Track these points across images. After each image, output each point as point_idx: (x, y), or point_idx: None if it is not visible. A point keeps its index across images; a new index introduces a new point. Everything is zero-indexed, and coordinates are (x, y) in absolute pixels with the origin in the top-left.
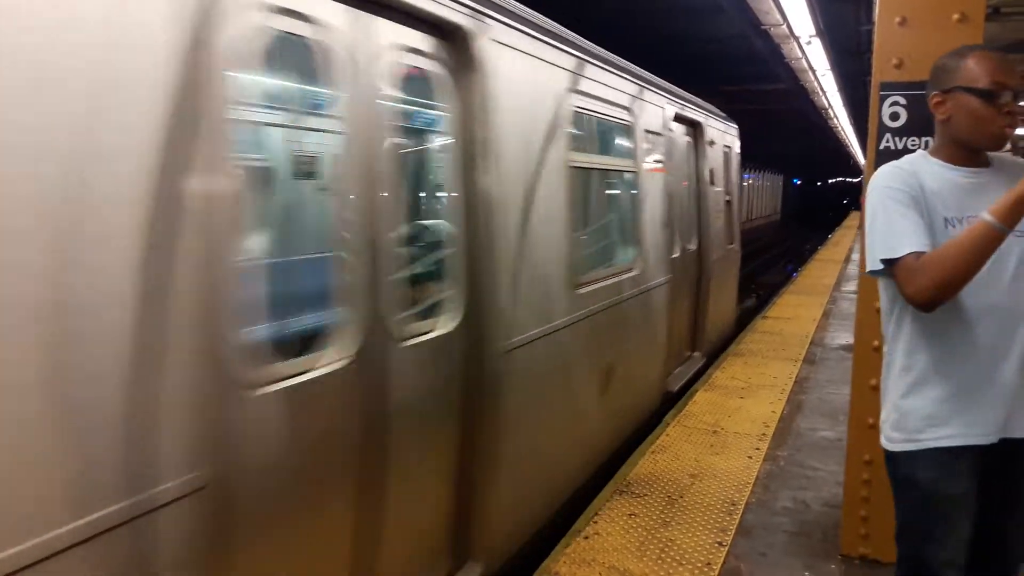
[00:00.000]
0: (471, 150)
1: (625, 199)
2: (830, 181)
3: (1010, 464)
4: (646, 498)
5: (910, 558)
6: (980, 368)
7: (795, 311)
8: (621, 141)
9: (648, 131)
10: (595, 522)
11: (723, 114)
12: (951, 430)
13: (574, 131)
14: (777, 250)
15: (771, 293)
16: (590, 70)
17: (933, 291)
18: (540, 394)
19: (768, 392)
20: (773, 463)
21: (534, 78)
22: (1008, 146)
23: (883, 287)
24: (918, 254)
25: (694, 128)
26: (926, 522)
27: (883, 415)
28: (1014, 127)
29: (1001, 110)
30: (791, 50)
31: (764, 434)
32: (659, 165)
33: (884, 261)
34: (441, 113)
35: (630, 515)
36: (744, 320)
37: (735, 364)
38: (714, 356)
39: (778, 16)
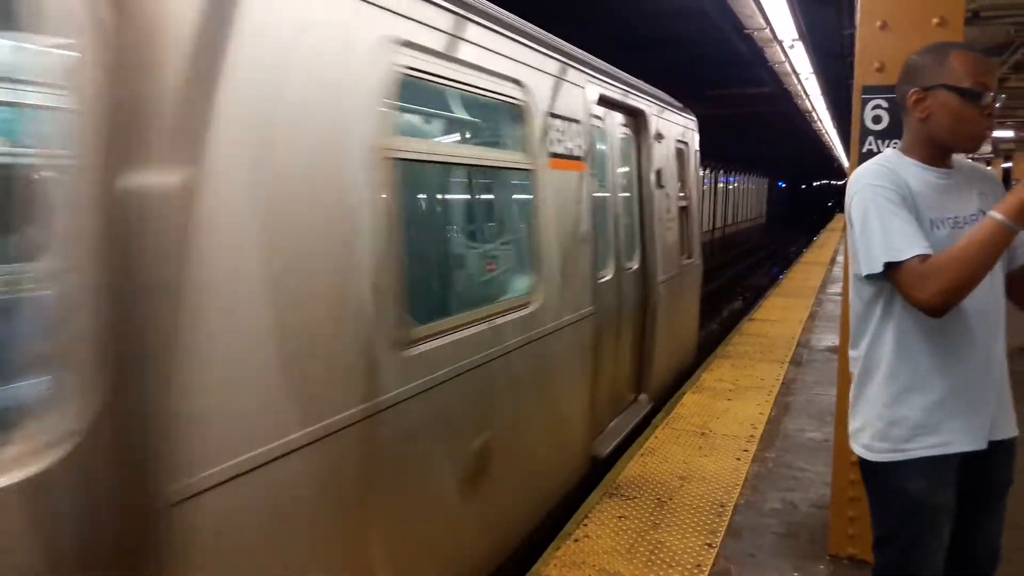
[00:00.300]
0: (126, 119)
1: (512, 207)
2: (815, 184)
3: (989, 465)
4: (635, 500)
5: (893, 566)
6: (973, 371)
7: (781, 313)
8: (504, 126)
9: (556, 116)
10: (585, 525)
11: (678, 104)
12: (941, 438)
13: (402, 104)
14: (763, 253)
15: (757, 295)
16: (438, 17)
17: (947, 295)
18: (302, 543)
19: (756, 394)
20: (761, 464)
21: (292, 9)
22: (988, 147)
23: (858, 289)
24: (923, 257)
25: (635, 118)
26: (914, 531)
27: (857, 423)
28: (992, 129)
29: (983, 111)
30: (774, 54)
31: (752, 436)
32: (575, 162)
33: (887, 264)
34: (52, 50)
35: (620, 517)
36: (729, 325)
37: (723, 366)
38: (667, 395)
39: (761, 20)
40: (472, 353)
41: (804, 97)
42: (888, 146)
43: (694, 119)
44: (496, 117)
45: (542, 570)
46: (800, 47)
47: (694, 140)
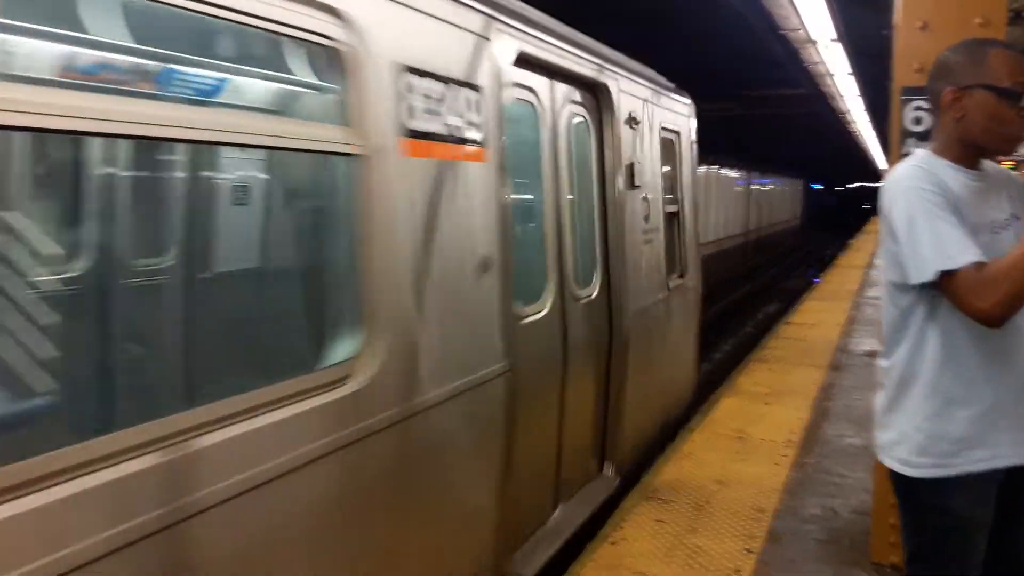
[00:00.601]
0: None
1: (306, 214)
2: (850, 186)
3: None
4: (672, 504)
5: None
6: (1018, 382)
7: (819, 317)
8: (299, 81)
9: (422, 73)
10: (622, 528)
11: (667, 83)
12: (988, 452)
13: None
14: (798, 255)
15: (794, 298)
16: None
17: (1010, 305)
18: None
19: (793, 398)
20: (800, 470)
21: None
22: None
23: (893, 296)
24: (979, 264)
25: (594, 95)
26: (952, 548)
27: (892, 435)
28: None
29: (1021, 112)
30: (810, 54)
31: (790, 440)
32: (467, 147)
33: (941, 272)
34: None
35: (657, 521)
36: (765, 328)
37: (759, 370)
38: (649, 459)
39: (797, 21)
40: (142, 510)
41: (839, 98)
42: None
43: (690, 103)
44: (273, 63)
45: (579, 572)
46: (836, 48)
47: (689, 129)
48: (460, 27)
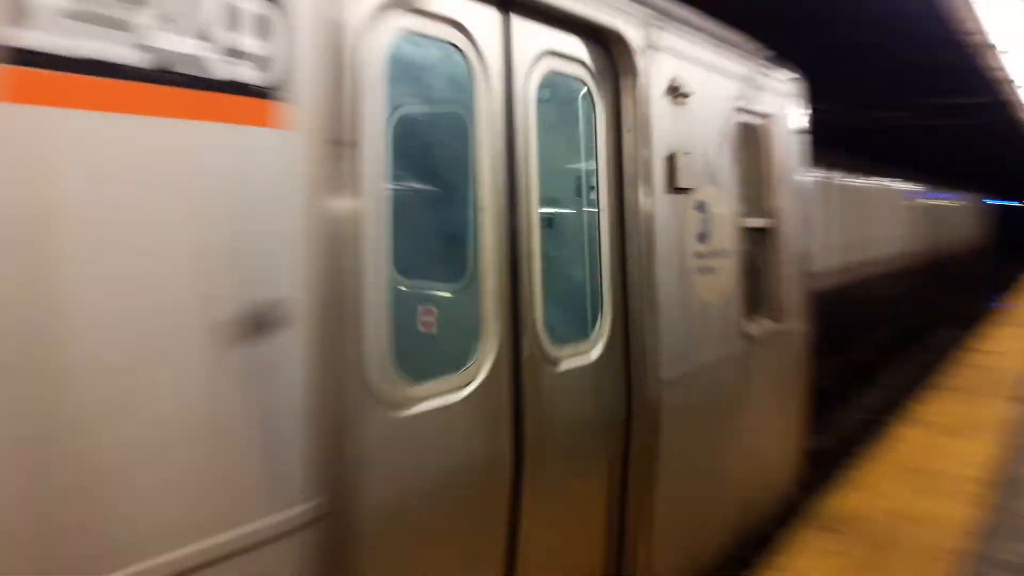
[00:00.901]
0: None
1: None
2: None
3: None
4: (845, 536)
5: None
6: None
7: (1008, 344)
8: None
9: None
10: (790, 556)
11: (751, 46)
12: None
13: None
14: (977, 276)
15: (974, 322)
16: None
17: None
18: None
19: (981, 432)
20: (990, 510)
21: None
22: None
23: None
24: None
25: (607, 48)
26: None
27: None
28: None
29: None
30: (993, 60)
31: (977, 478)
32: (229, 99)
33: None
34: None
35: (828, 553)
36: (940, 354)
37: (942, 400)
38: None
39: (979, 25)
40: None
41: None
42: None
43: (792, 78)
44: None
45: None
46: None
47: (788, 114)
48: None
